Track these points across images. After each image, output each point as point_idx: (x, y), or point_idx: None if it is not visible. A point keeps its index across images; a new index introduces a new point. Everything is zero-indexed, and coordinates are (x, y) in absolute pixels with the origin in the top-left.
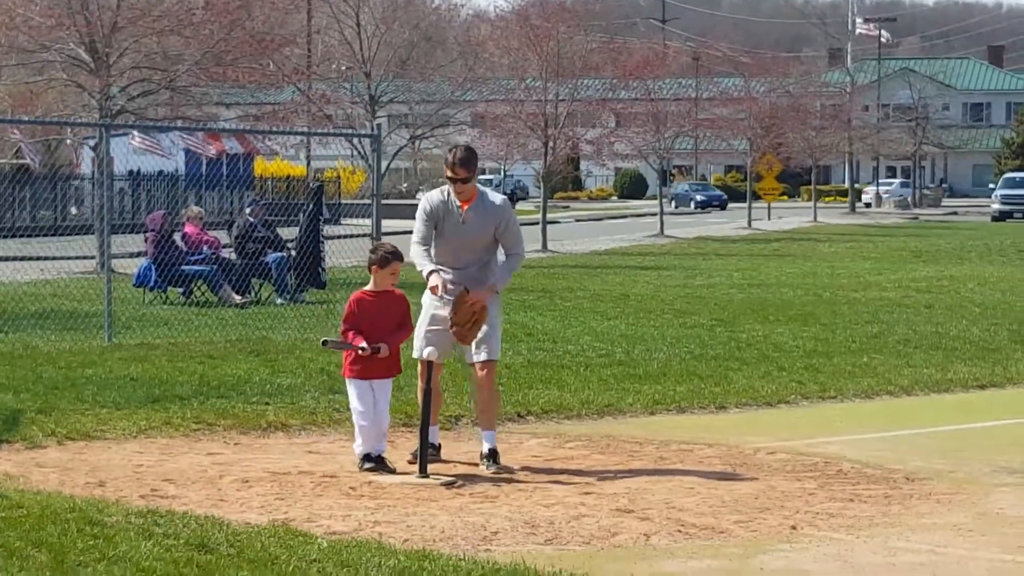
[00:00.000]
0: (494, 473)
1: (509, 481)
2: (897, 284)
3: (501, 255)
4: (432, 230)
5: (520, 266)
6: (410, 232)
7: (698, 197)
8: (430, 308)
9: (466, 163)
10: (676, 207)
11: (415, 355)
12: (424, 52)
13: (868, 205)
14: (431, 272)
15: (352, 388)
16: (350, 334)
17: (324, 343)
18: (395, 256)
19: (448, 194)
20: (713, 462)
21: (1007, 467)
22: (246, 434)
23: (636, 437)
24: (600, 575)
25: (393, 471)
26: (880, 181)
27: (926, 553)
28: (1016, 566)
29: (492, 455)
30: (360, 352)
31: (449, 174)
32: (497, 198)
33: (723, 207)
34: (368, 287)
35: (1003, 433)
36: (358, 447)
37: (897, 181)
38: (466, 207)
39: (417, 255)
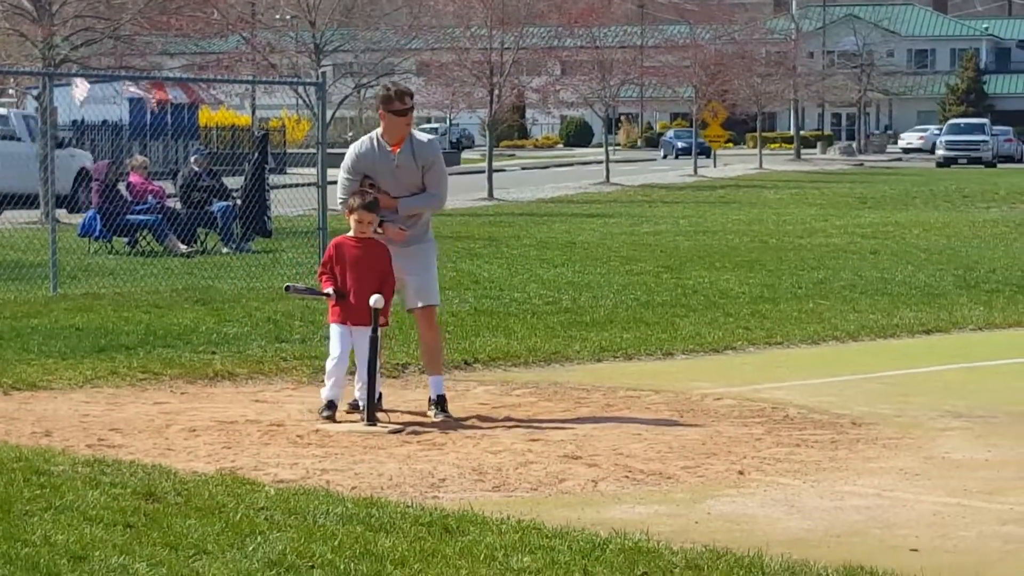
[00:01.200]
0: (439, 420)
1: (457, 428)
2: (843, 230)
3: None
4: (358, 183)
5: (436, 207)
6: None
7: (679, 144)
8: None
9: (410, 93)
10: (664, 156)
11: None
12: (369, 0)
13: (906, 151)
14: (299, 288)
15: (330, 332)
16: (323, 279)
17: (287, 289)
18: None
19: (377, 140)
20: (660, 408)
21: (953, 411)
22: (193, 383)
23: (583, 384)
24: (548, 521)
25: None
26: (916, 127)
27: (872, 497)
28: (961, 509)
29: (439, 401)
30: (327, 298)
31: (398, 105)
32: (424, 136)
33: (707, 154)
34: (350, 233)
35: (949, 378)
36: (324, 391)
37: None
38: (397, 150)
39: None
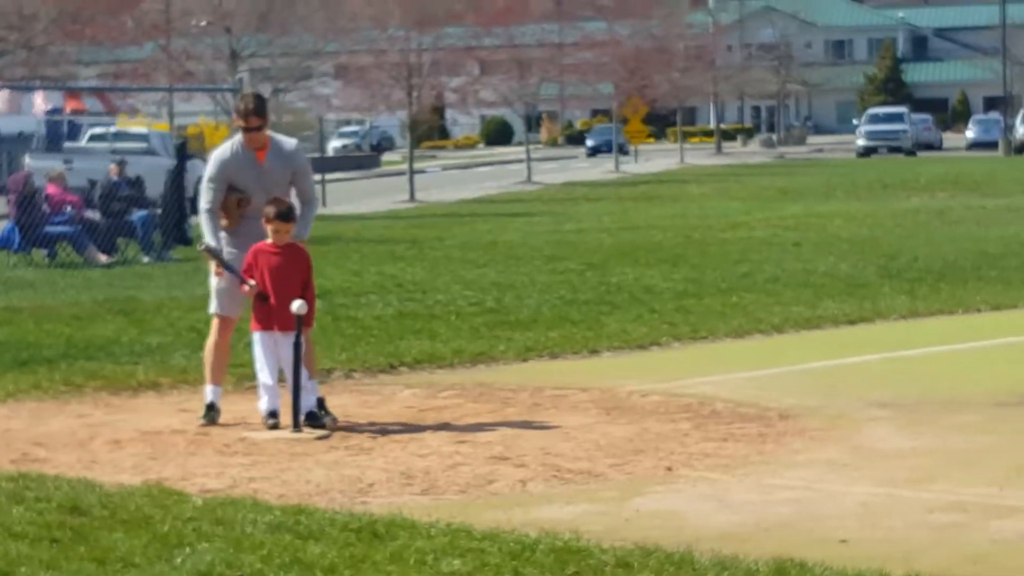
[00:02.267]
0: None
1: (384, 433)
2: (765, 223)
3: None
4: (224, 192)
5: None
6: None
7: (588, 142)
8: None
9: (259, 112)
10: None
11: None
12: (285, 5)
13: (973, 146)
14: (216, 250)
15: (254, 340)
16: (244, 275)
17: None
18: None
19: (240, 147)
20: (587, 406)
21: (878, 401)
22: (116, 395)
23: (510, 384)
24: (477, 523)
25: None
26: (977, 119)
27: (801, 489)
28: (889, 499)
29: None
30: (248, 289)
31: (241, 123)
32: (290, 142)
33: (623, 151)
34: (268, 240)
35: (874, 368)
36: (260, 404)
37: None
38: (263, 156)
39: (208, 224)
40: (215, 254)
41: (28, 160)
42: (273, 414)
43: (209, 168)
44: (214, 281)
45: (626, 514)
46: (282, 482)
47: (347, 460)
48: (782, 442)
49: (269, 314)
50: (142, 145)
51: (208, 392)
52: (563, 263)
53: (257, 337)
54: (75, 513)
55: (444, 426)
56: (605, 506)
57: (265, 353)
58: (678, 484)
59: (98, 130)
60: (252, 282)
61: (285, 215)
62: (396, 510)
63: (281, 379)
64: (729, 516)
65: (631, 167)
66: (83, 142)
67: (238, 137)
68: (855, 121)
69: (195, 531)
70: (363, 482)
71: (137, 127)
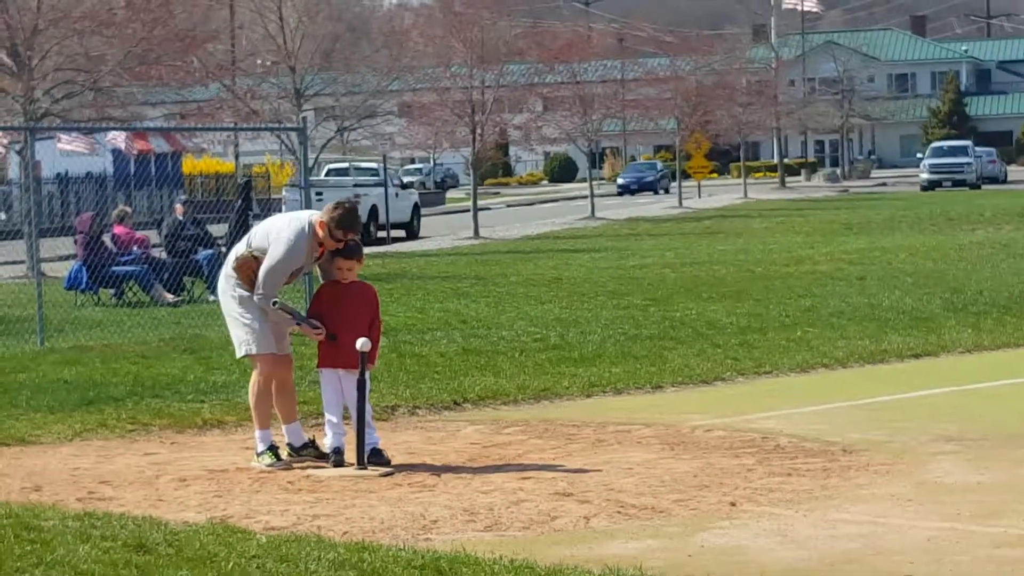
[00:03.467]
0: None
1: (448, 469)
2: (829, 257)
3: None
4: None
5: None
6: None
7: (620, 180)
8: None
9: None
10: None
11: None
12: (348, 43)
13: None
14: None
15: (321, 379)
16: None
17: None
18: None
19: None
20: (651, 442)
21: (943, 436)
22: (182, 433)
23: (573, 420)
24: (541, 560)
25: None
26: None
27: (866, 524)
28: (954, 534)
29: (257, 455)
30: (315, 334)
31: (340, 236)
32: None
33: (655, 190)
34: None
35: (939, 402)
36: (326, 441)
37: None
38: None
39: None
40: (286, 309)
41: (285, 192)
42: (338, 451)
43: (294, 250)
44: (247, 321)
45: (690, 550)
46: (346, 519)
47: (410, 497)
48: (846, 476)
49: (334, 352)
50: (375, 178)
51: (267, 436)
52: (626, 298)
53: (323, 375)
54: (141, 551)
55: (508, 462)
56: (669, 542)
57: (331, 390)
58: (742, 519)
59: (336, 166)
60: (317, 324)
61: (352, 252)
62: (459, 547)
63: (346, 416)
64: (794, 551)
65: (694, 202)
66: (322, 175)
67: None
68: (919, 155)
69: (259, 568)
70: (426, 519)
71: (367, 162)
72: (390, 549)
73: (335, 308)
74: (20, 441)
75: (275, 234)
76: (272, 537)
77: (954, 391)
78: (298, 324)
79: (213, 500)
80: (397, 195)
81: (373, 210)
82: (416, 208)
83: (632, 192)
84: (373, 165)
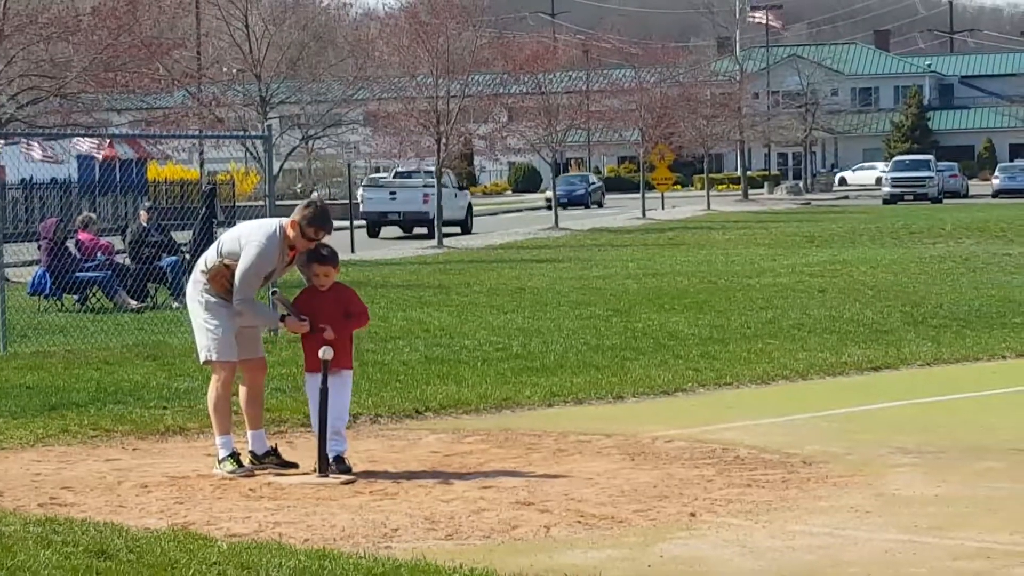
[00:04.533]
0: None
1: (409, 478)
2: (791, 269)
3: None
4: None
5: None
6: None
7: (547, 193)
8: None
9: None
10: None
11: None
12: (314, 52)
13: (999, 193)
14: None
15: (307, 383)
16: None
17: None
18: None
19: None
20: (611, 452)
21: (902, 448)
22: (144, 439)
23: (534, 430)
24: (501, 569)
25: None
26: (1003, 166)
27: (824, 536)
28: (912, 546)
29: (219, 461)
30: (300, 325)
31: (312, 238)
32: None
33: (586, 204)
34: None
35: (898, 415)
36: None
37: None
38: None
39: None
40: (283, 301)
41: (361, 191)
42: (338, 459)
43: (266, 253)
44: (212, 328)
45: (649, 560)
46: (307, 526)
47: (372, 505)
48: (806, 488)
49: (312, 356)
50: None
51: (228, 442)
52: (589, 309)
53: (308, 380)
54: (102, 557)
55: (469, 471)
56: (629, 552)
57: (310, 393)
58: (701, 530)
59: (404, 169)
60: (304, 317)
61: (328, 258)
62: (420, 555)
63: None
64: (752, 562)
65: (657, 213)
66: (390, 177)
67: (283, 226)
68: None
69: (219, 575)
70: (387, 527)
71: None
72: (351, 557)
73: (314, 314)
74: None
75: (245, 239)
76: (233, 544)
77: (913, 404)
78: (283, 318)
79: (174, 507)
80: (455, 195)
81: (440, 209)
82: (469, 208)
83: (562, 206)
84: (431, 169)
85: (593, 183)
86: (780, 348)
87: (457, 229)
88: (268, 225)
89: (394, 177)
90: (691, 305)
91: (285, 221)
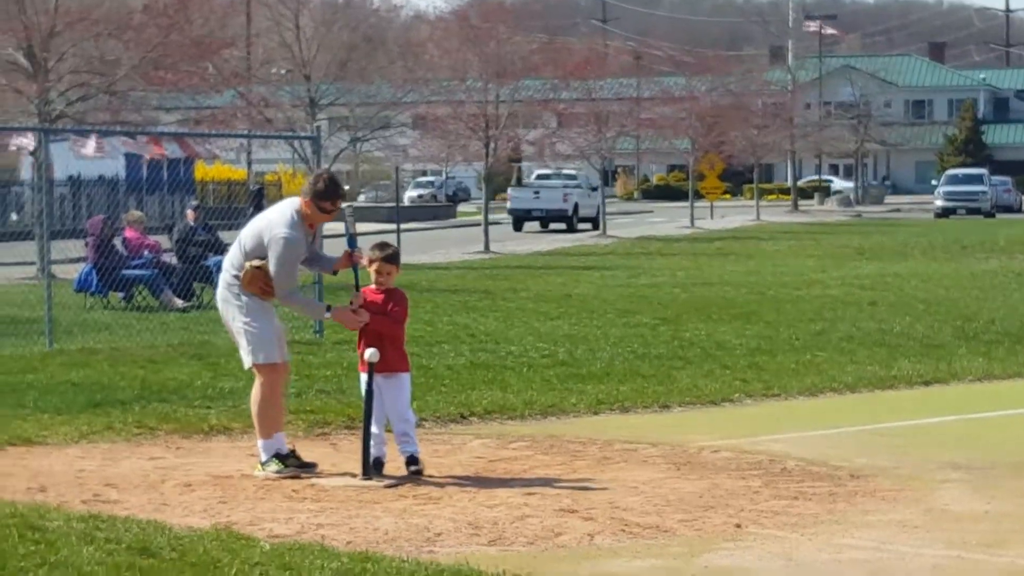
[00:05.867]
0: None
1: (453, 482)
2: (841, 281)
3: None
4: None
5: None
6: (353, 233)
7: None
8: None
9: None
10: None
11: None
12: (364, 54)
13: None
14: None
15: (361, 382)
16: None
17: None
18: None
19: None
20: (657, 461)
21: (951, 463)
22: (188, 438)
23: (580, 437)
24: (543, 575)
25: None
26: None
27: (871, 550)
28: (960, 562)
29: (262, 464)
30: (359, 320)
31: (328, 206)
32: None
33: (570, 227)
34: (372, 284)
35: (947, 429)
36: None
37: None
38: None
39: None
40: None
41: (510, 191)
42: (377, 462)
43: (293, 245)
44: (254, 329)
45: (693, 570)
46: (350, 529)
47: (415, 509)
48: (853, 502)
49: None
50: (575, 181)
51: (272, 445)
52: (636, 317)
53: (362, 379)
54: (144, 555)
55: (513, 477)
56: (673, 562)
57: (365, 399)
58: (747, 541)
59: (544, 171)
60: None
61: (386, 258)
62: (463, 560)
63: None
64: (797, 575)
65: (706, 223)
66: (531, 179)
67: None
68: (934, 182)
69: (261, 575)
70: (431, 531)
71: (569, 170)
72: (393, 560)
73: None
74: (26, 441)
75: (268, 234)
76: (276, 545)
77: (963, 419)
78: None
79: (218, 506)
80: (589, 195)
81: (576, 206)
82: (601, 207)
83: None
84: (573, 172)
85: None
86: (829, 360)
87: (589, 225)
88: (284, 213)
89: (536, 179)
90: (739, 315)
91: (298, 202)
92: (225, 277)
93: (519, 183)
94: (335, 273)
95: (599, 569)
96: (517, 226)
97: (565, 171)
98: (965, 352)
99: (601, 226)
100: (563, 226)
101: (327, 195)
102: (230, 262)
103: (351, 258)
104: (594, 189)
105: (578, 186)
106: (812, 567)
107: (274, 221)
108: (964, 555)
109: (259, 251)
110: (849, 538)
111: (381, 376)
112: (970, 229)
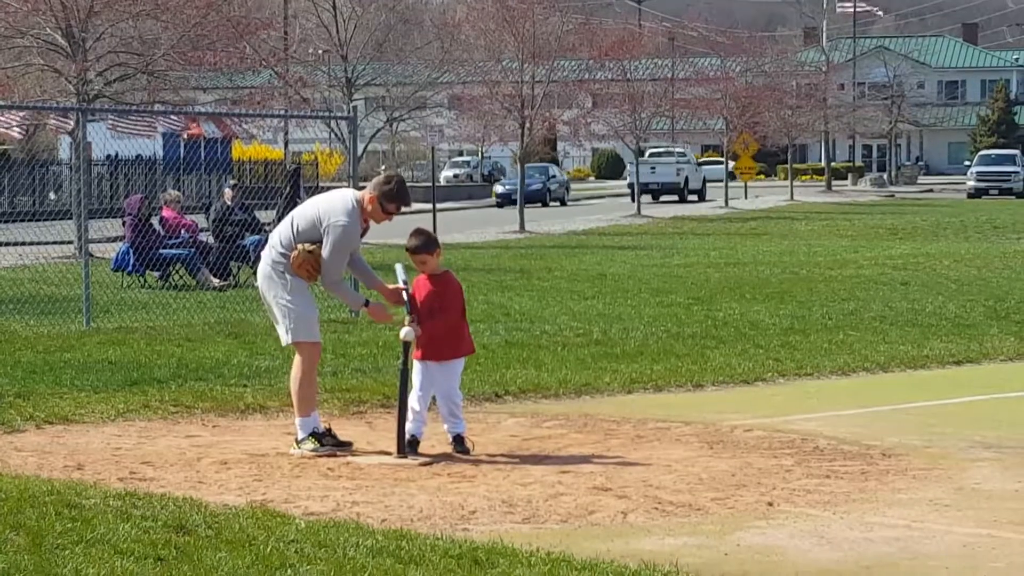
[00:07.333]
0: (300, 457)
1: (487, 461)
2: (873, 261)
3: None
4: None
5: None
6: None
7: (497, 188)
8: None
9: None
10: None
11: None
12: (400, 34)
13: None
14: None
15: (414, 368)
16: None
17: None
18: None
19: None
20: (690, 440)
21: (983, 442)
22: (224, 416)
23: (613, 416)
24: (577, 553)
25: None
26: None
27: (902, 528)
28: (991, 540)
29: (298, 442)
30: (383, 311)
31: (393, 209)
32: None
33: (544, 201)
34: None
35: (979, 409)
36: (407, 426)
37: None
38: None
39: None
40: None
41: (630, 166)
42: (413, 439)
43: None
44: (295, 307)
45: (726, 548)
46: (385, 507)
47: (450, 487)
48: (884, 480)
49: (423, 343)
50: (685, 158)
51: (309, 423)
52: (670, 296)
53: (416, 365)
54: (181, 532)
55: (547, 456)
56: (705, 539)
57: (418, 380)
58: (779, 519)
59: (655, 149)
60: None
61: (413, 248)
62: (497, 538)
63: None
64: (829, 553)
65: (740, 203)
66: (646, 156)
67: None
68: (966, 162)
69: (297, 553)
70: (465, 509)
71: (678, 148)
72: (428, 538)
73: (421, 302)
74: (64, 420)
75: (327, 220)
76: (311, 522)
77: (995, 398)
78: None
79: (253, 484)
80: (696, 170)
81: (687, 180)
82: (704, 180)
83: (515, 203)
84: (683, 149)
85: (554, 176)
86: (861, 340)
87: (695, 198)
88: (345, 201)
89: (650, 156)
90: (772, 295)
91: (361, 194)
92: (271, 254)
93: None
94: (361, 308)
95: (632, 547)
96: (634, 198)
97: (677, 149)
98: (996, 332)
99: (704, 197)
100: (675, 197)
101: (394, 197)
102: (279, 239)
103: (395, 296)
104: (700, 165)
105: (688, 162)
106: (843, 545)
107: (335, 208)
108: (994, 533)
109: (312, 234)
110: (880, 516)
111: (433, 363)
112: (1002, 209)
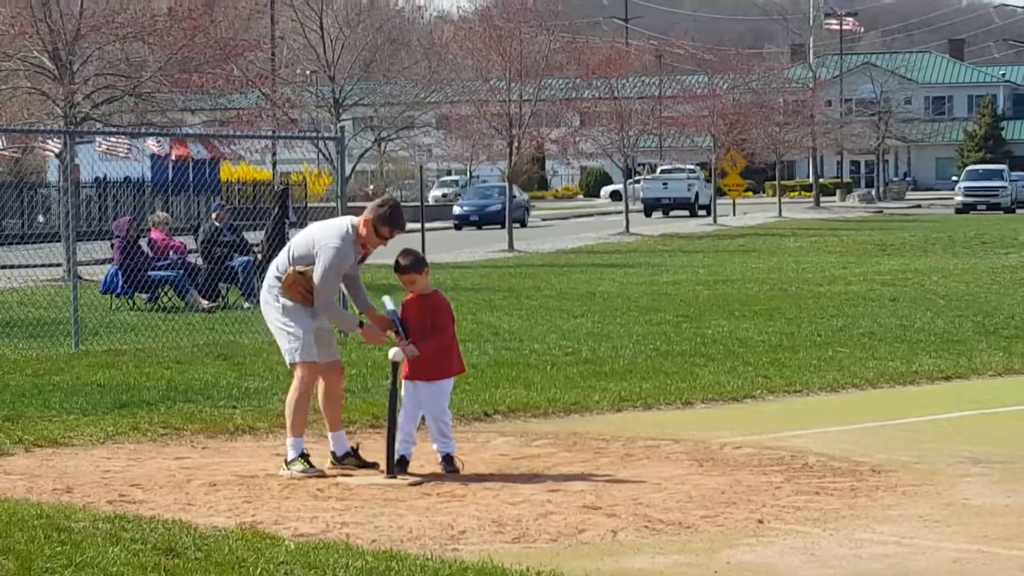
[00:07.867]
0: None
1: (477, 480)
2: (862, 277)
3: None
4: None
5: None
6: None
7: (455, 209)
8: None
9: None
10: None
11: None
12: (388, 54)
13: None
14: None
15: (403, 389)
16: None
17: (360, 324)
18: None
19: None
20: (680, 457)
21: (972, 458)
22: (213, 438)
23: (603, 434)
24: (568, 572)
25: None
26: None
27: (892, 545)
28: (981, 556)
29: (287, 463)
30: (377, 333)
31: (386, 237)
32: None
33: (502, 223)
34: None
35: (968, 424)
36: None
37: None
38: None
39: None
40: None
41: (643, 182)
42: (401, 460)
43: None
44: (291, 330)
45: (716, 566)
46: (375, 527)
47: (439, 506)
48: (874, 497)
49: (412, 364)
50: (695, 175)
51: (300, 444)
52: (658, 314)
53: (405, 386)
54: (170, 555)
55: (537, 474)
56: (695, 557)
57: (408, 401)
58: (769, 537)
59: (667, 167)
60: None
61: (401, 268)
62: (487, 557)
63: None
64: (819, 570)
65: (729, 220)
66: (657, 173)
67: (353, 225)
68: (954, 177)
69: (287, 574)
70: (455, 529)
71: (690, 165)
72: (418, 558)
73: (408, 323)
74: (53, 442)
75: (320, 243)
76: (301, 544)
77: (983, 414)
78: (361, 324)
79: (243, 505)
80: (706, 187)
81: (697, 195)
82: (712, 197)
83: (475, 224)
84: (693, 167)
85: (515, 196)
86: (850, 356)
87: (704, 212)
88: (340, 225)
89: (661, 173)
90: (761, 312)
91: (356, 219)
92: (268, 280)
93: (652, 176)
94: (355, 330)
95: (622, 565)
96: (648, 213)
97: (688, 166)
98: (985, 347)
99: (711, 212)
100: (686, 213)
101: (388, 221)
102: (275, 265)
103: (383, 323)
104: (708, 182)
105: (698, 178)
106: (833, 562)
107: (329, 232)
108: (984, 549)
109: (307, 259)
110: (870, 532)
111: (421, 382)
112: (990, 224)
